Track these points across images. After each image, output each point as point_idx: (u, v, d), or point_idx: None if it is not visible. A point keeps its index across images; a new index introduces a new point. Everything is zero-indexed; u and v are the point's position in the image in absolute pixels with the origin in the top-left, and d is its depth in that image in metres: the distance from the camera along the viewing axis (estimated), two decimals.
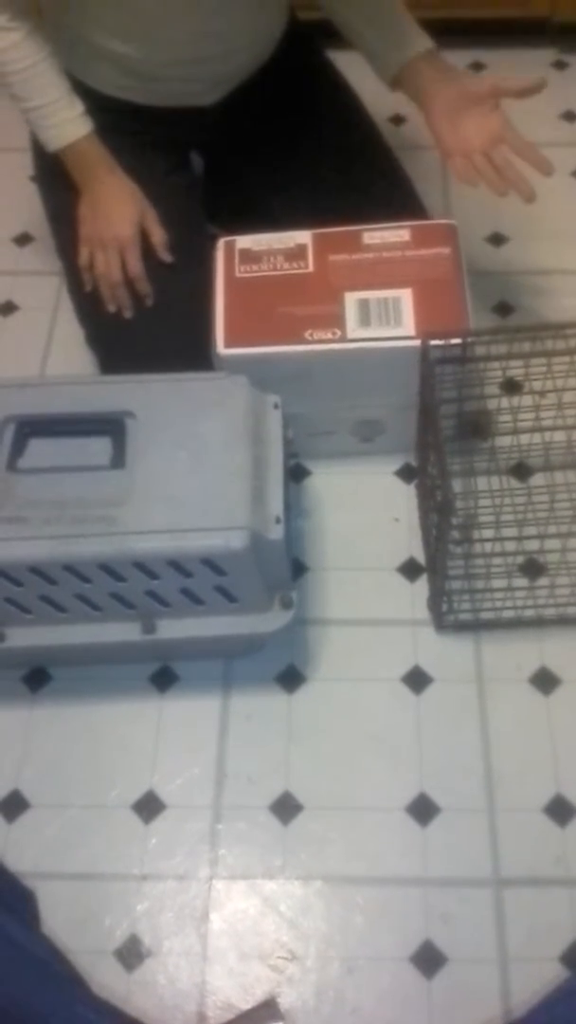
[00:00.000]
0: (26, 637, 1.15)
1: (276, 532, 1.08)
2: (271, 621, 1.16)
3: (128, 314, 1.19)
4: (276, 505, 1.10)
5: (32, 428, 1.13)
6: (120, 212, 1.20)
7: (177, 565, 1.07)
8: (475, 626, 1.29)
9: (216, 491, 1.07)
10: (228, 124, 1.32)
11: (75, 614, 1.13)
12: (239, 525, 1.05)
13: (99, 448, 1.11)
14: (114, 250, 1.20)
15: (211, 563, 1.06)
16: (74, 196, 1.24)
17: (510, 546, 1.26)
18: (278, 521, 1.08)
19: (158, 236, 1.22)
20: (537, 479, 1.40)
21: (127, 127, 1.27)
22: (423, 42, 1.22)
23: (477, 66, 1.94)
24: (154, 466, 1.10)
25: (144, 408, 1.14)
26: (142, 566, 1.06)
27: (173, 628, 1.15)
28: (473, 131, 1.17)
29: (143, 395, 1.14)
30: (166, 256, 1.22)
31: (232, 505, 1.06)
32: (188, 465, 1.09)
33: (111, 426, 1.12)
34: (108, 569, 1.07)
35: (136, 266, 1.21)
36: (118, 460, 1.10)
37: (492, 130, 1.16)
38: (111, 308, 1.21)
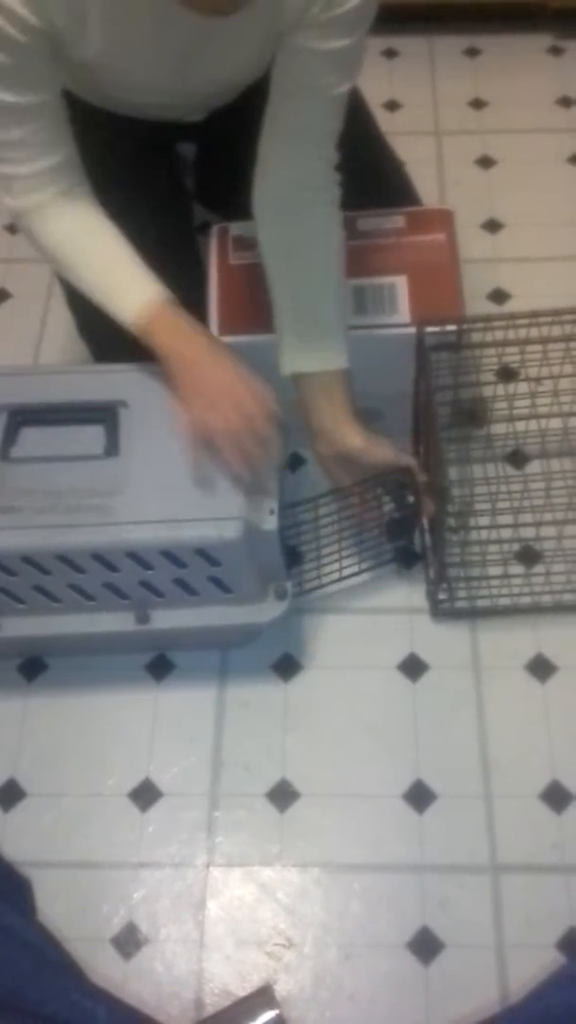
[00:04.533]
0: (20, 627, 1.15)
1: (270, 523, 1.08)
2: (265, 612, 1.16)
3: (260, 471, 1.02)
4: (270, 495, 1.09)
5: (24, 417, 1.12)
6: (244, 382, 1.01)
7: (171, 555, 1.06)
8: (471, 614, 1.29)
9: (210, 481, 1.07)
10: (218, 121, 1.31)
11: (69, 604, 1.13)
12: (233, 515, 1.04)
13: (92, 437, 1.11)
14: (249, 433, 1.00)
15: (205, 553, 1.06)
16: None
17: (506, 533, 1.26)
18: (272, 512, 1.08)
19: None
20: (533, 466, 1.39)
21: (107, 120, 1.25)
22: (336, 360, 1.08)
23: (473, 51, 1.93)
24: (147, 455, 1.09)
25: (137, 397, 1.13)
26: (136, 556, 1.06)
27: (167, 618, 1.15)
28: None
29: (136, 384, 1.14)
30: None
31: (226, 495, 1.06)
32: (182, 454, 1.09)
33: (104, 415, 1.12)
34: (101, 559, 1.06)
35: (276, 447, 1.04)
36: (111, 449, 1.10)
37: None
38: (246, 476, 1.02)
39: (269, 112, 1.05)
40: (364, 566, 1.27)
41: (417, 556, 1.33)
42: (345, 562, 1.24)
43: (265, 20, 0.97)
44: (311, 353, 1.09)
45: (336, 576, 1.25)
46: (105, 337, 1.32)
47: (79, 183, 1.05)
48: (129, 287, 1.03)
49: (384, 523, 1.21)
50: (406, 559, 1.31)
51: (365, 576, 1.29)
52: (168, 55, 1.02)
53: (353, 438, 1.09)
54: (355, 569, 1.26)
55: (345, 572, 1.25)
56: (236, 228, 1.32)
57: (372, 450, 1.10)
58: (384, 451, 1.10)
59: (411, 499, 1.17)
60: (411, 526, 1.24)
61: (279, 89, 1.02)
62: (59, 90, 0.99)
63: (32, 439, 1.11)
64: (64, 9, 0.91)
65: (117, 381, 1.15)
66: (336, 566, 1.24)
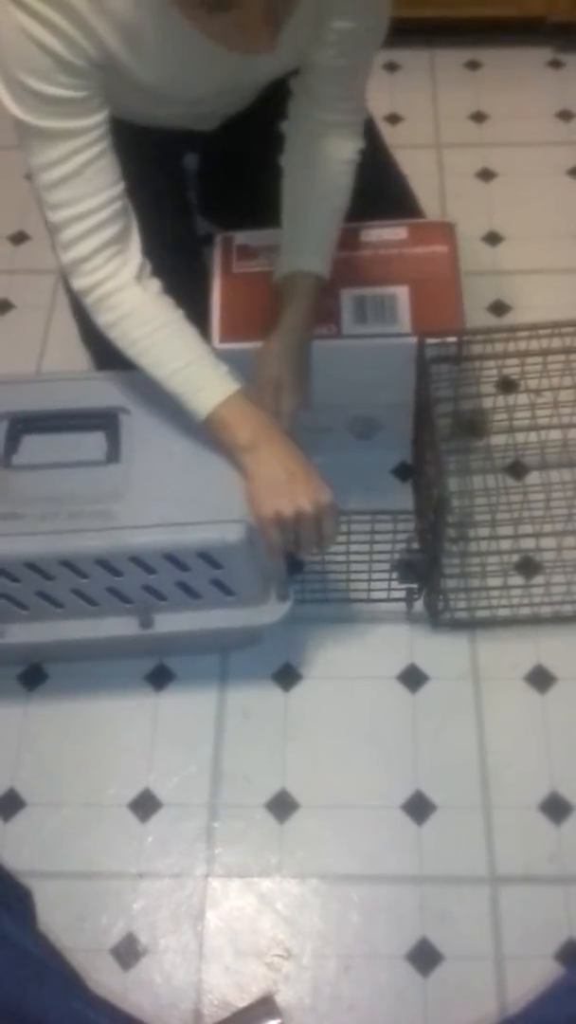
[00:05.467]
0: (23, 633, 1.15)
1: None
2: (268, 613, 1.16)
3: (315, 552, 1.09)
4: None
5: (26, 424, 1.13)
6: (310, 475, 1.06)
7: (173, 559, 1.07)
8: (471, 624, 1.29)
9: (211, 484, 1.07)
10: (224, 132, 1.32)
11: (72, 609, 1.13)
12: (235, 518, 1.05)
13: (93, 443, 1.11)
14: (314, 517, 1.05)
15: (207, 556, 1.07)
16: None
17: (506, 544, 1.26)
18: None
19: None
20: (533, 477, 1.40)
21: (116, 129, 1.26)
22: (314, 264, 1.15)
23: (473, 65, 1.94)
24: (149, 461, 1.10)
25: (137, 403, 1.14)
26: (138, 560, 1.07)
27: (170, 622, 1.15)
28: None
29: (136, 390, 1.14)
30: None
31: (227, 498, 1.06)
32: (182, 459, 1.09)
33: (105, 421, 1.12)
34: (104, 564, 1.07)
35: (335, 531, 1.09)
36: (113, 455, 1.10)
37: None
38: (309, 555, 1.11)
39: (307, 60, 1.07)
40: (374, 596, 1.27)
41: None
42: (352, 584, 1.24)
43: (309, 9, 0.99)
44: (294, 258, 1.14)
45: (343, 596, 1.25)
46: (108, 346, 1.33)
47: (128, 227, 1.03)
48: (202, 386, 1.04)
49: (395, 562, 1.21)
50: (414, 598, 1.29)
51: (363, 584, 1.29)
52: (225, 65, 1.02)
53: (272, 365, 1.13)
54: (363, 596, 1.27)
55: (352, 596, 1.26)
56: (240, 237, 1.32)
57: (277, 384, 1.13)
58: (285, 401, 1.13)
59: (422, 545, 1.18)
60: (423, 572, 1.23)
61: (317, 39, 1.03)
62: (108, 124, 0.98)
63: (34, 446, 1.12)
64: (119, 38, 0.91)
65: (118, 388, 1.15)
66: (343, 586, 1.24)
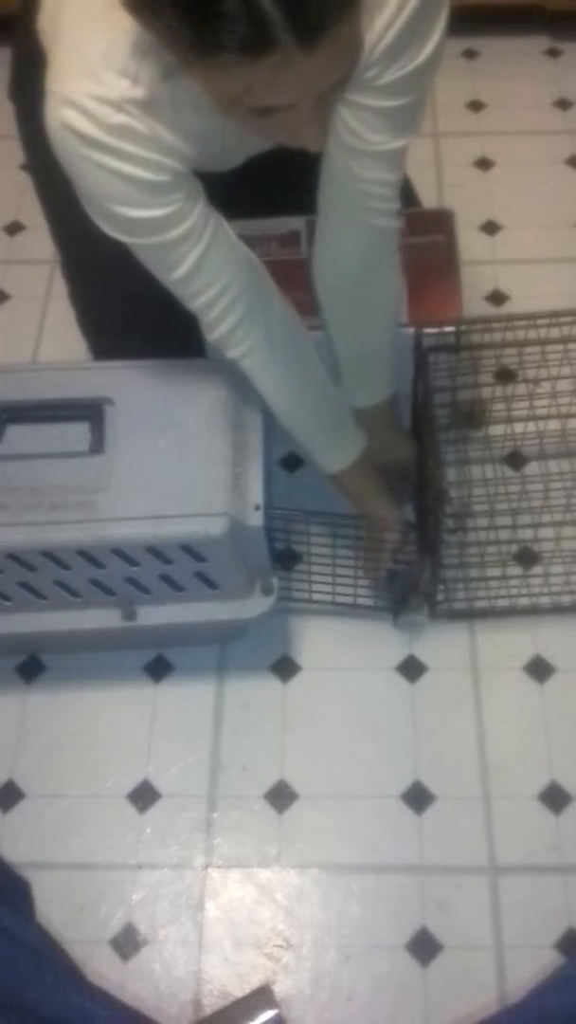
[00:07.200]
0: (5, 624, 1.15)
1: (255, 519, 1.08)
2: (252, 607, 1.16)
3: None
4: (256, 492, 1.09)
5: (10, 414, 1.12)
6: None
7: (156, 551, 1.06)
8: (469, 615, 1.29)
9: (195, 477, 1.07)
10: None
11: (55, 601, 1.13)
12: (218, 511, 1.04)
13: (78, 434, 1.11)
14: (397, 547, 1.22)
15: (190, 549, 1.06)
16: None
17: (504, 535, 1.26)
18: (257, 508, 1.08)
19: None
20: (531, 468, 1.40)
21: None
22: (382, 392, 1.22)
23: (471, 53, 1.93)
24: (133, 452, 1.09)
25: (123, 394, 1.13)
26: (121, 553, 1.06)
27: (153, 615, 1.15)
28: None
29: (122, 381, 1.14)
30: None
31: (211, 491, 1.06)
32: (167, 451, 1.09)
33: (90, 412, 1.12)
34: (87, 556, 1.06)
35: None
36: (97, 446, 1.10)
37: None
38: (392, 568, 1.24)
39: (325, 167, 1.02)
40: (360, 602, 1.26)
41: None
42: (339, 588, 1.24)
43: None
44: (369, 391, 1.20)
45: (329, 599, 1.25)
46: (105, 333, 1.32)
47: (261, 286, 1.04)
48: (336, 446, 1.17)
49: (385, 571, 1.22)
50: (401, 611, 1.30)
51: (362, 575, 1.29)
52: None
53: (405, 447, 1.28)
54: (350, 600, 1.26)
55: (338, 600, 1.26)
56: (235, 227, 1.31)
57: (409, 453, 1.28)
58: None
59: (410, 556, 1.19)
60: (409, 585, 1.23)
61: (335, 143, 0.98)
62: (208, 211, 0.97)
63: (18, 436, 1.11)
64: (190, 144, 0.89)
65: (103, 379, 1.15)
66: (329, 588, 1.24)
